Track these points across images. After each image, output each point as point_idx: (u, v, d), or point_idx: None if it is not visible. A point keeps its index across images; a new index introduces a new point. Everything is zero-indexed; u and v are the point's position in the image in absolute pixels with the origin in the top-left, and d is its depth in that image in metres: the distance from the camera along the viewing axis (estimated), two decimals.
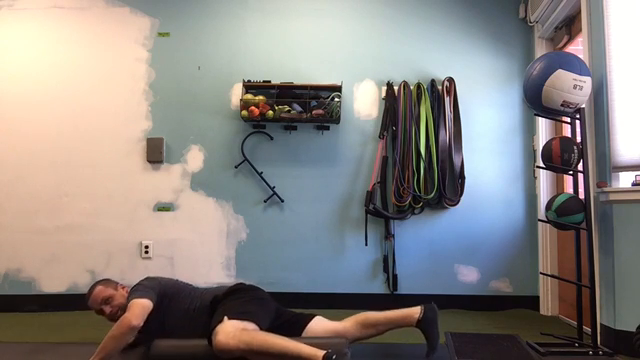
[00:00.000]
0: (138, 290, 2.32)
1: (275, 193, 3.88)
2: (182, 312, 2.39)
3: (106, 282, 2.49)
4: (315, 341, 2.28)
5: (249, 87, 3.90)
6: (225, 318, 2.17)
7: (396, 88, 3.91)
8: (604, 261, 2.71)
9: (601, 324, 2.69)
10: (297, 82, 3.90)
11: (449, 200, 3.80)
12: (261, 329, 2.21)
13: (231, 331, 2.08)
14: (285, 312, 2.50)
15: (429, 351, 2.32)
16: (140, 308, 2.21)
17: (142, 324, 2.19)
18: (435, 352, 2.31)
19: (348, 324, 2.41)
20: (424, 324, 2.33)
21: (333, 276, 3.86)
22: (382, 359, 2.45)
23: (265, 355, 2.02)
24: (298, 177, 3.93)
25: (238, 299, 2.35)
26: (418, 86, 3.89)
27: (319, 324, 2.42)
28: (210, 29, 4.03)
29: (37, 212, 3.88)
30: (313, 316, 2.45)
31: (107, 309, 2.37)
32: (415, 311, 2.37)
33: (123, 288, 2.49)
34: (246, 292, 2.42)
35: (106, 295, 2.38)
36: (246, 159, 3.90)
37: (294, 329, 2.38)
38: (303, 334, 2.38)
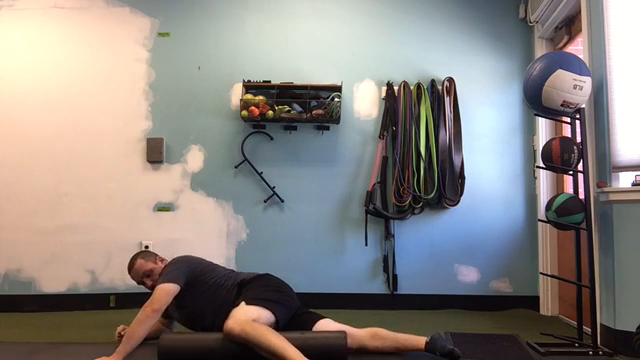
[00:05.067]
0: (167, 274, 2.49)
1: (275, 193, 3.88)
2: (215, 286, 2.52)
3: (146, 255, 2.67)
4: (316, 335, 2.31)
5: (249, 87, 3.90)
6: (243, 303, 2.32)
7: (396, 88, 3.91)
8: (604, 261, 2.71)
9: (601, 324, 2.69)
10: (297, 82, 3.90)
11: (449, 200, 3.80)
12: (277, 320, 2.33)
13: (240, 319, 2.22)
14: (300, 310, 2.57)
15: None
16: (163, 293, 2.40)
17: (164, 307, 2.39)
18: (459, 356, 2.27)
19: (357, 330, 2.43)
20: (431, 352, 2.31)
21: (333, 276, 3.86)
22: (383, 359, 2.44)
23: (259, 348, 2.15)
24: (298, 177, 3.93)
25: (263, 285, 2.48)
26: (418, 86, 3.89)
27: (327, 324, 2.44)
28: (210, 29, 4.03)
29: (37, 212, 3.88)
30: (323, 317, 2.50)
31: (148, 282, 2.60)
32: (420, 344, 2.33)
33: (162, 261, 2.67)
34: (273, 281, 2.56)
35: (147, 269, 2.59)
36: (246, 159, 3.90)
37: (304, 327, 2.42)
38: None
